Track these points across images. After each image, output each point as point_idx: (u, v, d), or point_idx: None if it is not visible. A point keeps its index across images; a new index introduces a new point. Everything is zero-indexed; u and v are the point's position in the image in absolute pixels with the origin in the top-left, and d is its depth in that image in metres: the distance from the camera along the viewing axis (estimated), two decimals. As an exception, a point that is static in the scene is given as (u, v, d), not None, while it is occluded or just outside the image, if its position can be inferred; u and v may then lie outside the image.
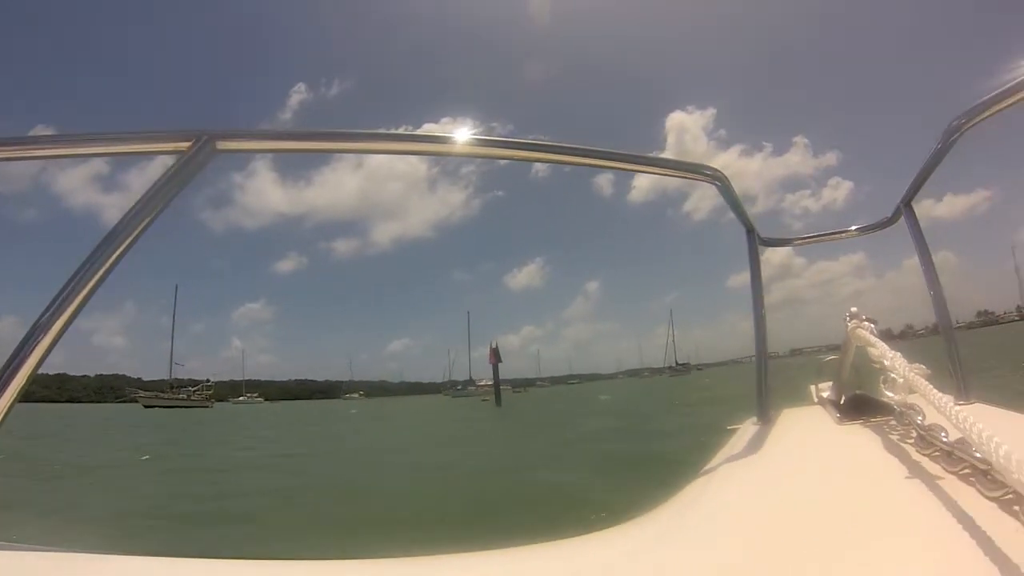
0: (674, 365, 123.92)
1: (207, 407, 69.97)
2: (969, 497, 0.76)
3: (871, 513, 0.81)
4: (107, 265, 1.04)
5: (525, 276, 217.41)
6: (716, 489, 1.12)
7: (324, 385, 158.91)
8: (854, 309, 1.37)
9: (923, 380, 0.92)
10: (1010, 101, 1.29)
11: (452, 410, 43.22)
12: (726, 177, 1.54)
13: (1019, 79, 1.23)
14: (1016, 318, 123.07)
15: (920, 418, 1.06)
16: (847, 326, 1.37)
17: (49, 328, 0.98)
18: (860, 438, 1.26)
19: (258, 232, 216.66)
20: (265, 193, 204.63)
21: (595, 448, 12.28)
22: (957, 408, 0.75)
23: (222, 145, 1.16)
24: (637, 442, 12.36)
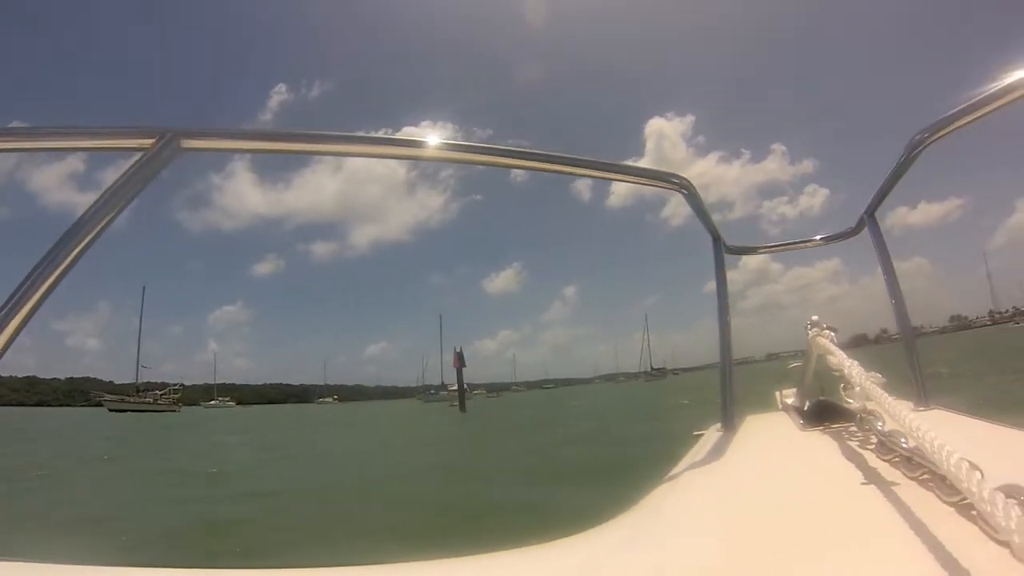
0: (650, 370, 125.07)
1: (174, 411, 68.64)
2: (927, 502, 0.76)
3: (831, 518, 0.82)
4: (67, 262, 1.00)
5: (503, 280, 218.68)
6: (680, 495, 1.12)
7: (299, 389, 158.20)
8: (815, 317, 1.40)
9: (879, 388, 0.94)
10: (971, 118, 1.32)
11: (418, 415, 42.92)
12: (693, 185, 1.54)
13: (977, 98, 1.26)
14: (988, 323, 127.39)
15: (880, 424, 1.07)
16: (808, 334, 1.40)
17: (4, 326, 0.95)
18: (822, 444, 1.28)
19: (236, 234, 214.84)
20: (243, 194, 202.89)
21: (546, 458, 11.93)
22: (914, 415, 0.77)
23: (187, 143, 1.13)
24: (593, 451, 12.05)
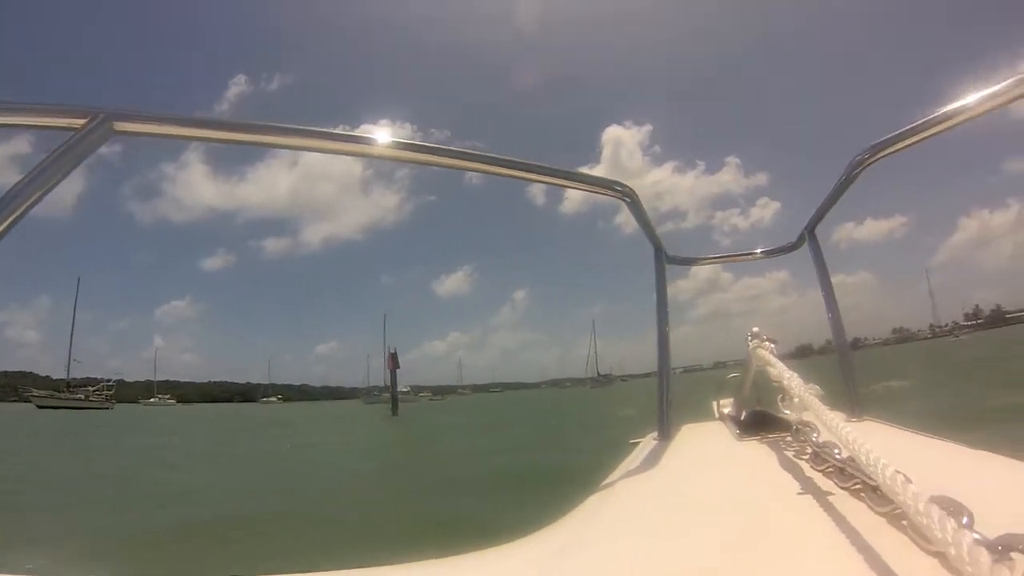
0: (596, 376, 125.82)
1: (107, 408, 65.46)
2: (859, 512, 0.78)
3: (764, 527, 0.83)
4: None
5: (454, 282, 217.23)
6: (614, 503, 1.13)
7: (245, 387, 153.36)
8: (755, 329, 1.42)
9: (816, 400, 0.95)
10: (909, 142, 1.37)
11: (352, 418, 41.26)
12: (636, 194, 1.55)
13: (915, 124, 1.33)
14: (929, 336, 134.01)
15: (815, 435, 1.10)
16: (748, 345, 1.42)
17: None
18: (757, 453, 1.30)
19: (187, 226, 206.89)
20: (196, 186, 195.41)
21: (450, 466, 11.58)
22: (847, 426, 0.78)
23: (121, 126, 1.06)
24: (517, 460, 11.51)
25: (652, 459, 1.44)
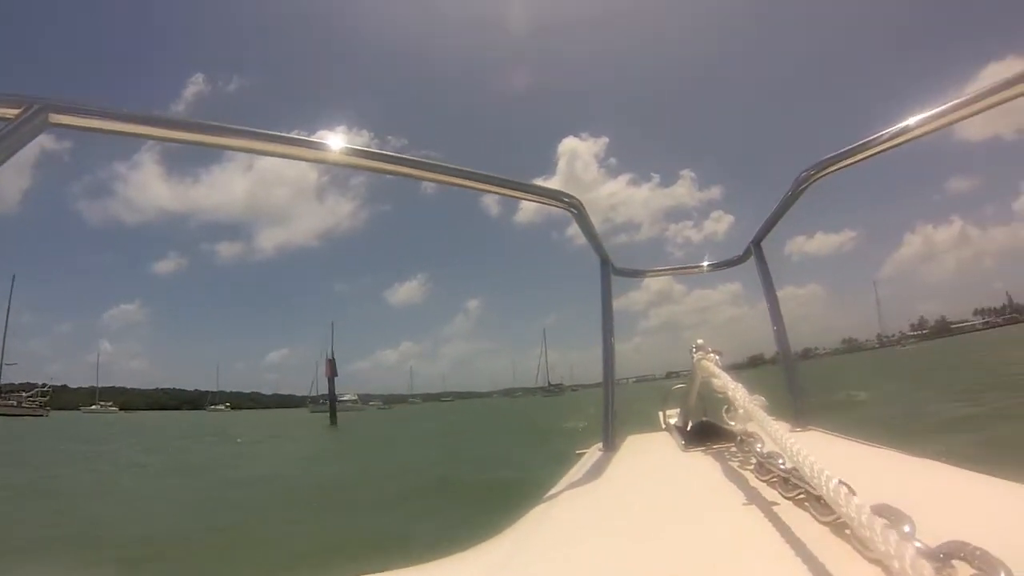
0: (547, 386, 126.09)
1: (41, 416, 62.54)
2: (803, 522, 0.78)
3: (709, 537, 0.83)
4: None
5: (407, 291, 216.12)
6: (558, 513, 1.12)
7: (194, 395, 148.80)
8: (700, 341, 1.41)
9: (761, 411, 0.95)
10: (852, 160, 1.41)
11: (292, 428, 38.95)
12: (582, 205, 1.55)
13: (859, 143, 1.37)
14: (876, 345, 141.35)
15: (760, 446, 1.11)
16: (693, 357, 1.42)
17: None
18: (702, 464, 1.30)
19: (138, 228, 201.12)
20: (149, 186, 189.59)
21: (360, 492, 10.32)
22: (791, 437, 0.78)
23: (57, 119, 0.97)
24: (444, 474, 10.97)
25: (597, 470, 1.44)
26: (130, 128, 1.08)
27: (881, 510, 0.61)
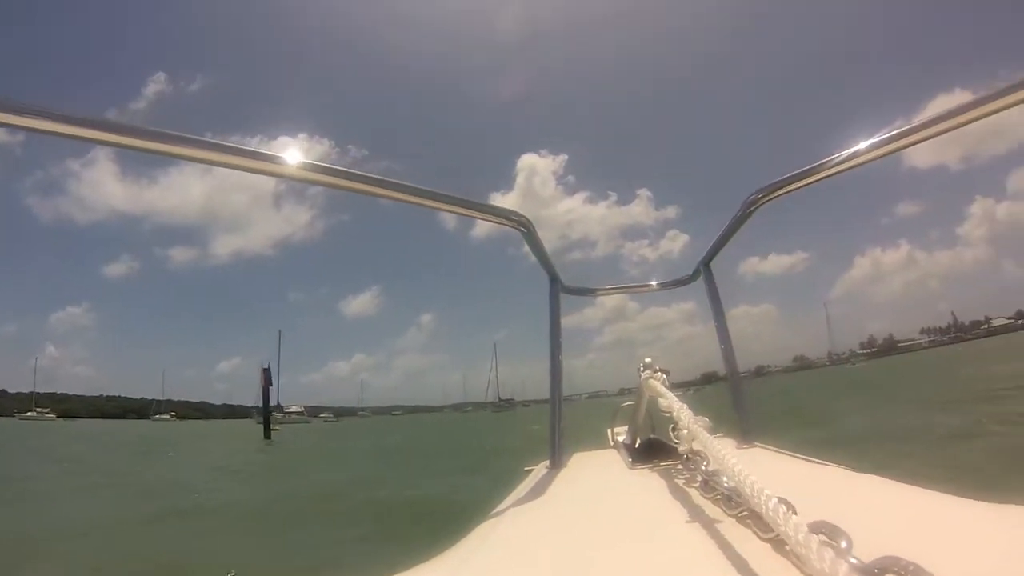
0: (498, 401, 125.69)
1: None
2: (745, 539, 0.80)
3: (653, 554, 0.84)
4: None
5: (360, 303, 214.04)
6: (504, 530, 1.11)
7: (139, 403, 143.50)
8: (648, 360, 1.43)
9: (704, 432, 0.98)
10: (800, 184, 1.45)
11: (226, 441, 36.85)
12: (532, 224, 1.55)
13: (807, 167, 1.40)
14: (827, 363, 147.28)
15: (705, 464, 1.12)
16: (640, 376, 1.43)
17: None
18: (649, 481, 1.31)
19: (90, 228, 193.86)
20: (103, 185, 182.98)
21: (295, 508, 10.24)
22: (733, 457, 0.81)
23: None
24: (374, 496, 10.89)
25: (543, 486, 1.43)
26: (75, 131, 0.98)
27: (819, 527, 0.63)
